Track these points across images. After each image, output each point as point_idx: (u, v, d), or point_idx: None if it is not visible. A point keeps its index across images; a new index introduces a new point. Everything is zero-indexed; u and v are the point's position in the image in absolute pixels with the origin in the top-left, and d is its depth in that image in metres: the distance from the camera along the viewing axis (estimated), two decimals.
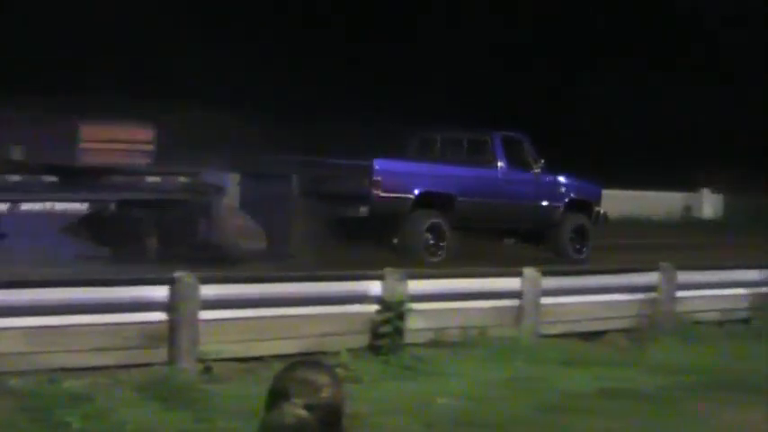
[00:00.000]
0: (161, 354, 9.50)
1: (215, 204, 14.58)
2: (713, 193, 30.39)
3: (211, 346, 9.64)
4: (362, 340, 10.77)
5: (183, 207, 14.40)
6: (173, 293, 9.59)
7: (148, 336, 9.54)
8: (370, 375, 10.10)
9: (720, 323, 13.91)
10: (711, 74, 32.53)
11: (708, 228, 27.34)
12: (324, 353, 10.26)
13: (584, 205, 18.80)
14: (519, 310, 12.00)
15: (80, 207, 13.88)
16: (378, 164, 16.49)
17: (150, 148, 14.52)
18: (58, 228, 13.54)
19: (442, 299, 11.57)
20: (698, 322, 13.63)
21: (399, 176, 16.90)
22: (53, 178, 13.64)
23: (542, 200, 18.34)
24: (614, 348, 12.33)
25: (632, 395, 9.86)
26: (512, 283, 12.11)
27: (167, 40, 23.75)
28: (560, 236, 18.28)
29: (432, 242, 16.64)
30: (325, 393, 3.15)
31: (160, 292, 9.64)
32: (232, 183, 15.11)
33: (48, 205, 13.49)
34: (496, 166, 18.04)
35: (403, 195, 16.60)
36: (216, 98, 20.77)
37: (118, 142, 14.35)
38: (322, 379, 3.19)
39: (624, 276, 13.56)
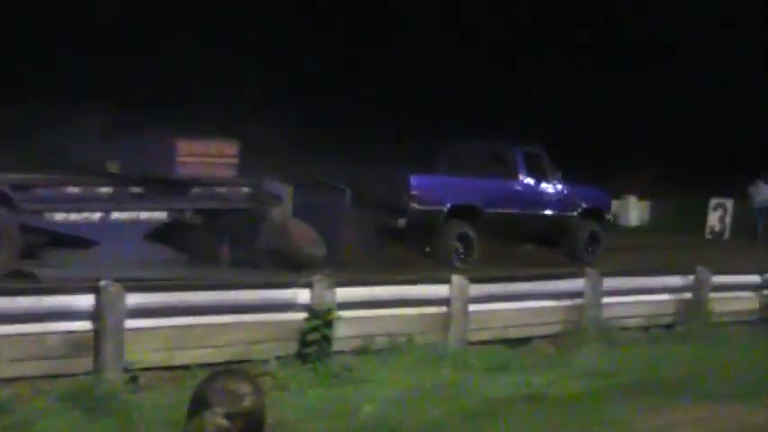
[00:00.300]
0: (86, 363, 9.43)
1: (277, 213, 15.64)
2: (639, 200, 30.79)
3: (137, 355, 9.60)
4: (290, 348, 10.78)
5: (249, 215, 15.47)
6: (98, 302, 9.53)
7: (73, 345, 9.47)
8: (297, 383, 10.12)
9: (645, 328, 14.13)
10: (640, 74, 33.06)
11: (629, 234, 27.61)
12: (251, 361, 10.27)
13: (596, 212, 20.18)
14: (446, 318, 12.08)
15: (161, 215, 14.92)
16: (414, 179, 17.62)
17: (235, 161, 15.49)
18: (143, 234, 14.61)
19: (370, 306, 11.63)
20: (623, 328, 13.85)
21: (433, 190, 18.04)
22: (139, 189, 14.58)
23: (559, 209, 19.61)
24: (540, 354, 12.47)
25: (556, 400, 9.97)
26: (440, 291, 12.20)
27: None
28: (576, 241, 19.64)
29: (461, 250, 17.79)
30: (246, 402, 3.18)
31: (85, 301, 9.57)
32: (288, 193, 15.97)
33: (133, 214, 14.54)
34: (518, 179, 19.28)
35: (436, 208, 17.80)
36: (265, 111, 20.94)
37: (209, 156, 15.32)
38: (243, 388, 3.21)
39: (551, 283, 13.70)
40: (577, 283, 13.55)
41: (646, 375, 11.37)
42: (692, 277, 14.87)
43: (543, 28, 32.65)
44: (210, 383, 3.20)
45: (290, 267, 14.48)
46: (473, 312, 12.32)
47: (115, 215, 14.29)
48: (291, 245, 15.35)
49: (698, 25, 32.16)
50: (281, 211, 15.68)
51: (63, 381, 9.18)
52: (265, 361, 10.33)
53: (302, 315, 10.86)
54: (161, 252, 14.79)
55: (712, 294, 14.94)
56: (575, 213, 19.81)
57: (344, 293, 11.32)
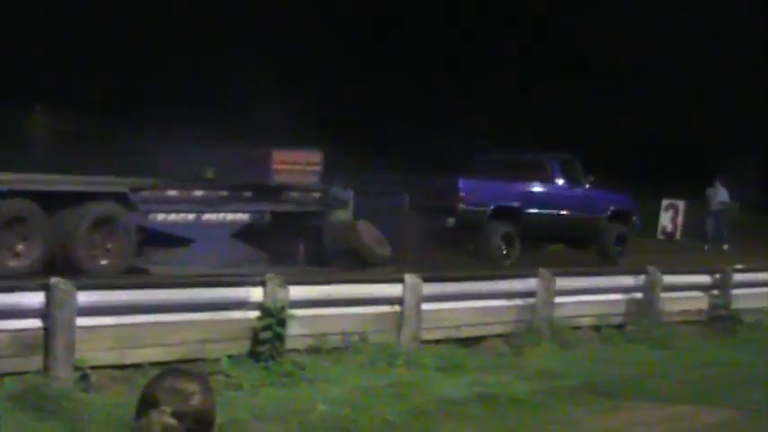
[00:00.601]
0: (35, 362, 9.32)
1: (342, 215, 17.36)
2: None
3: (88, 353, 9.50)
4: (243, 347, 10.73)
5: (321, 217, 17.11)
6: (48, 299, 9.43)
7: (22, 343, 9.35)
8: (250, 382, 10.08)
9: (597, 328, 14.21)
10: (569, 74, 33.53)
11: None
12: (204, 360, 10.22)
13: (623, 215, 21.79)
14: (400, 317, 12.09)
15: (243, 217, 16.16)
16: (462, 183, 19.25)
17: (319, 168, 17.08)
18: (229, 234, 15.90)
19: (324, 305, 11.61)
20: (575, 327, 13.92)
21: (478, 192, 19.55)
22: (225, 193, 16.01)
23: (591, 212, 21.10)
24: (493, 354, 12.51)
25: (507, 400, 9.99)
26: (393, 290, 12.20)
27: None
28: (605, 242, 21.24)
29: (503, 248, 19.25)
30: (195, 401, 3.17)
31: (35, 299, 9.47)
32: (351, 197, 17.72)
33: (221, 216, 15.87)
34: (554, 184, 20.92)
35: (481, 209, 19.28)
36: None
37: (298, 164, 16.94)
38: (191, 387, 3.20)
39: (504, 282, 13.76)
40: (530, 283, 13.61)
41: (597, 376, 11.44)
42: (643, 277, 14.98)
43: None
44: (158, 382, 3.19)
45: (360, 265, 16.46)
46: (426, 311, 12.33)
47: (207, 216, 15.66)
48: (362, 245, 16.91)
49: (654, 37, 32.72)
50: (347, 214, 17.42)
51: (12, 380, 9.07)
52: (218, 360, 10.29)
53: (255, 313, 10.81)
54: (245, 251, 15.98)
55: (663, 294, 15.04)
56: (604, 216, 21.28)
57: (298, 292, 11.28)
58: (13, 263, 13.35)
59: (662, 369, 12.22)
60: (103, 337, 9.84)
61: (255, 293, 10.91)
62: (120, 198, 14.41)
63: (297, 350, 11.00)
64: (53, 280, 9.58)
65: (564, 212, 20.61)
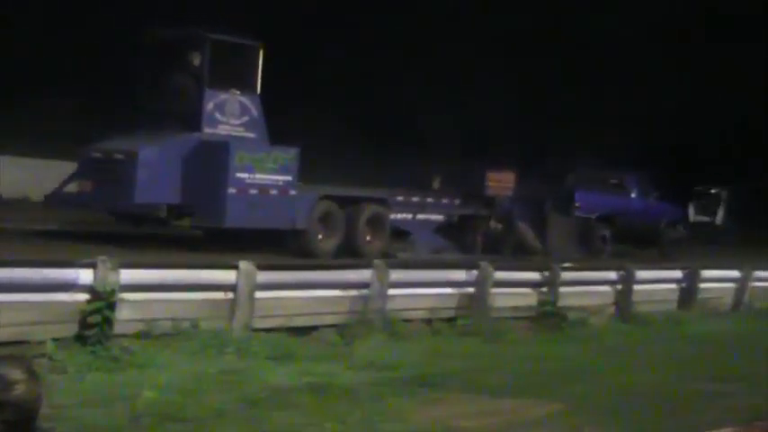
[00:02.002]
0: None
1: (512, 217, 22.43)
2: None
3: None
4: (70, 330, 10.45)
5: (490, 219, 22.19)
6: None
7: None
8: (75, 366, 9.83)
9: (428, 321, 14.37)
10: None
11: None
12: (28, 342, 9.91)
13: (675, 222, 27.95)
14: (232, 304, 11.98)
15: (440, 217, 21.22)
16: (577, 194, 24.58)
17: (513, 185, 22.36)
18: (432, 229, 21.06)
19: (155, 289, 11.41)
20: (407, 320, 14.05)
21: (587, 202, 24.93)
22: (446, 200, 21.36)
23: (655, 219, 26.92)
24: (324, 344, 12.52)
25: (337, 390, 10.02)
26: (227, 276, 12.08)
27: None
28: (663, 242, 27.11)
29: (602, 245, 24.91)
30: (18, 390, 3.04)
31: None
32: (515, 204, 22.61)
33: (427, 216, 20.95)
34: (631, 197, 26.96)
35: (590, 215, 24.93)
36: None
37: (502, 182, 22.21)
38: (14, 375, 3.07)
39: (338, 273, 13.78)
40: (364, 274, 13.67)
41: (427, 368, 11.57)
42: (475, 272, 15.22)
43: None
44: None
45: (522, 253, 21.49)
46: (260, 299, 12.26)
47: (419, 216, 20.75)
48: (524, 239, 22.35)
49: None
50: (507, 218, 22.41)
51: None
52: (42, 342, 9.99)
53: (84, 296, 10.55)
54: (442, 242, 21.01)
55: (494, 290, 15.33)
56: (663, 222, 27.19)
57: (130, 275, 11.05)
58: (323, 245, 18.35)
59: (490, 362, 12.45)
60: None
61: (85, 276, 10.64)
62: (383, 202, 19.68)
63: (126, 335, 10.78)
64: None
65: (638, 218, 26.23)
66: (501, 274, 15.59)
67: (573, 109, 35.99)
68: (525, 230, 22.56)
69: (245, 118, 18.09)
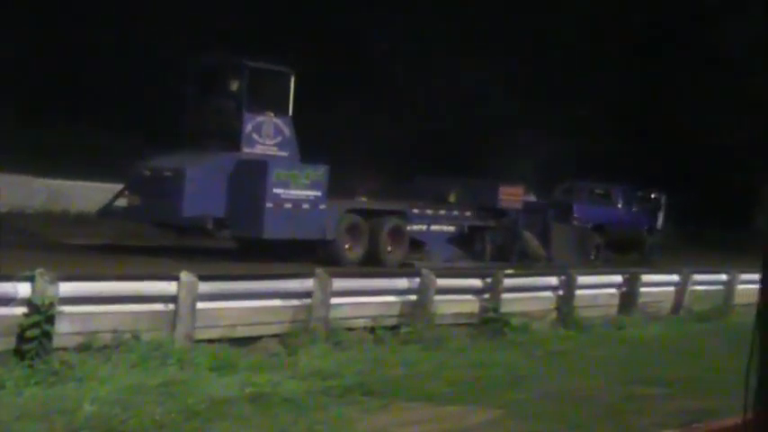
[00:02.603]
0: None
1: (518, 228, 24.46)
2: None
3: None
4: (8, 344, 10.34)
5: (497, 229, 24.11)
6: None
7: None
8: (13, 381, 9.73)
9: (371, 329, 14.40)
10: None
11: None
12: None
13: (654, 229, 30.53)
14: (174, 315, 11.93)
15: (451, 228, 23.18)
16: (575, 207, 27.64)
17: (522, 198, 24.69)
18: (445, 240, 23.06)
19: (95, 302, 11.33)
20: (350, 328, 14.07)
21: (583, 213, 27.80)
22: (456, 212, 23.44)
23: (638, 226, 29.69)
24: (267, 354, 12.50)
25: (279, 400, 10.02)
26: (168, 287, 12.02)
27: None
28: (644, 248, 29.92)
29: (595, 252, 27.25)
30: None
31: None
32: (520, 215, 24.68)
33: (440, 226, 22.91)
34: (618, 207, 29.43)
35: (585, 225, 27.40)
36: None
37: (513, 195, 24.31)
38: None
39: (280, 282, 13.74)
40: (307, 283, 13.67)
41: (369, 376, 11.59)
42: (417, 279, 15.29)
43: None
44: None
45: (527, 260, 23.47)
46: (201, 310, 12.22)
47: (433, 227, 22.65)
48: (530, 247, 24.36)
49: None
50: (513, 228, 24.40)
51: None
52: None
53: (22, 309, 10.46)
54: (453, 251, 22.96)
55: (437, 297, 15.40)
56: (645, 229, 29.98)
57: (69, 288, 10.97)
58: (350, 255, 20.26)
59: (433, 370, 12.51)
60: None
61: (23, 289, 10.54)
62: (402, 214, 21.57)
63: (66, 348, 10.71)
64: None
65: (623, 227, 28.67)
66: (444, 282, 15.66)
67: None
68: (530, 239, 24.53)
69: (279, 138, 20.12)
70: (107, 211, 20.39)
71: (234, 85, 20.09)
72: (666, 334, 17.92)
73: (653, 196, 30.83)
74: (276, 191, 19.17)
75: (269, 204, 19.02)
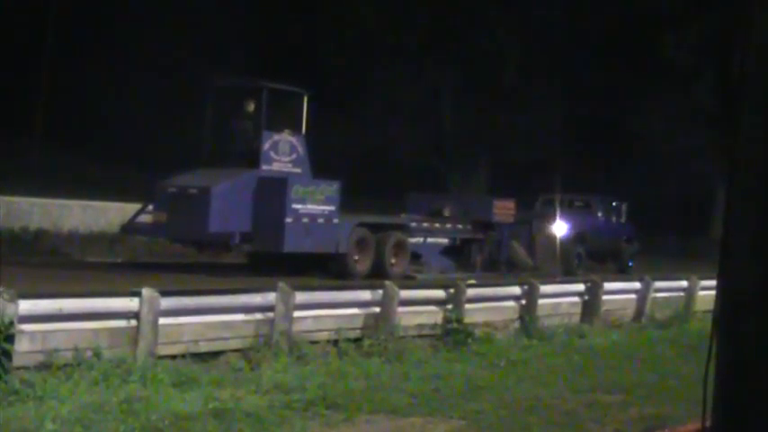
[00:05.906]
0: None
1: (505, 238, 25.47)
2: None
3: None
4: None
5: (489, 240, 25.06)
6: None
7: None
8: None
9: (334, 342, 14.44)
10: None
11: None
12: None
13: (632, 239, 31.30)
14: (135, 331, 11.94)
15: (444, 240, 24.33)
16: (559, 216, 28.15)
17: (513, 212, 25.58)
18: (439, 251, 24.15)
19: (55, 320, 11.32)
20: (313, 341, 14.11)
21: (567, 223, 28.22)
22: (449, 225, 24.51)
23: (617, 236, 30.54)
24: (229, 369, 12.51)
25: (241, 415, 10.04)
26: (129, 304, 12.04)
27: None
28: (623, 257, 30.68)
29: (578, 261, 27.85)
30: None
31: None
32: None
33: (434, 239, 24.00)
34: (598, 217, 30.42)
35: (569, 235, 27.80)
36: None
37: (505, 209, 25.34)
38: None
39: (242, 297, 13.77)
40: (269, 297, 13.71)
41: (332, 389, 11.63)
42: (380, 291, 15.36)
43: None
44: None
45: (517, 270, 24.42)
46: (163, 326, 12.24)
47: (428, 239, 23.73)
48: (518, 257, 25.48)
49: None
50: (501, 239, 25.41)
51: None
52: None
53: None
54: (445, 262, 24.01)
55: (400, 308, 15.47)
56: (623, 239, 30.72)
57: (28, 306, 10.97)
58: (359, 268, 20.97)
59: (395, 382, 12.55)
60: None
61: None
62: (406, 228, 22.62)
63: (26, 367, 10.69)
64: None
65: (603, 236, 29.59)
66: (407, 293, 15.75)
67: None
68: (518, 249, 25.55)
69: (294, 155, 20.87)
70: (130, 228, 21.01)
71: (252, 106, 20.81)
72: (627, 341, 18.08)
73: (613, 204, 31.08)
74: (295, 206, 19.92)
75: (288, 219, 19.72)
